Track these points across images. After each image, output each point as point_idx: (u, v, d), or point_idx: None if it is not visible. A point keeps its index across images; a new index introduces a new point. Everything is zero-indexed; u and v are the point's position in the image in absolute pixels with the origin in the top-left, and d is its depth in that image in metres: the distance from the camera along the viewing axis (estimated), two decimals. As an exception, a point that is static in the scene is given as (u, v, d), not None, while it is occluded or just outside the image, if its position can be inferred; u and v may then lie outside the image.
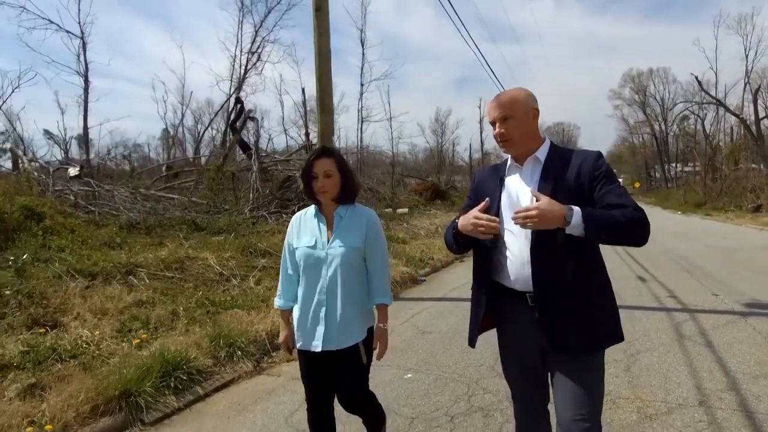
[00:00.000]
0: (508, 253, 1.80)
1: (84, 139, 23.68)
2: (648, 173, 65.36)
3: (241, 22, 28.42)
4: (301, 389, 2.39)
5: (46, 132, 35.64)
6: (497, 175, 1.91)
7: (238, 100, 20.56)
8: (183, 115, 36.06)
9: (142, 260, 6.34)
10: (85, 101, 22.83)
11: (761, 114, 35.63)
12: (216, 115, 32.26)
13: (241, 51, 27.92)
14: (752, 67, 40.17)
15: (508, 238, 1.80)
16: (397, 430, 3.06)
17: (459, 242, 1.87)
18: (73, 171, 13.15)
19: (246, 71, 27.16)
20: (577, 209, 1.61)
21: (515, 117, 1.78)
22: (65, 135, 36.13)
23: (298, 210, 2.49)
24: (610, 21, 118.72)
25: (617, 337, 1.81)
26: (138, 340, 4.20)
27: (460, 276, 8.45)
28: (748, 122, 34.58)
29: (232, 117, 20.73)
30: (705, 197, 31.77)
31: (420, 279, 8.48)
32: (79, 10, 25.06)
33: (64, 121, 49.70)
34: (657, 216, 26.64)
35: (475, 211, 1.77)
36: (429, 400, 3.49)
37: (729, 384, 3.59)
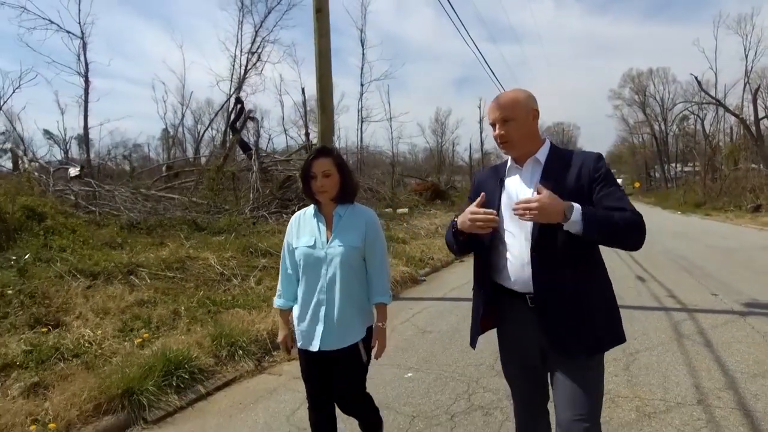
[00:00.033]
0: (508, 254, 1.80)
1: (84, 140, 23.75)
2: (648, 173, 65.41)
3: (241, 22, 28.51)
4: (303, 388, 2.41)
5: (46, 132, 35.72)
6: (497, 176, 1.91)
7: (239, 101, 20.59)
8: (183, 115, 36.13)
9: (143, 260, 6.37)
10: (86, 101, 22.94)
11: (761, 114, 35.70)
12: (216, 115, 32.34)
13: (241, 51, 28.01)
14: (752, 67, 40.29)
15: (508, 239, 1.80)
16: (398, 428, 3.08)
17: (459, 241, 1.87)
18: (73, 171, 13.18)
19: (246, 71, 27.26)
20: (577, 206, 1.61)
21: (515, 119, 1.78)
22: (65, 135, 36.20)
23: (299, 210, 2.49)
24: (610, 21, 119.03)
25: (618, 339, 1.81)
26: (140, 340, 4.22)
27: (460, 276, 8.47)
28: (747, 122, 34.62)
29: (233, 117, 20.76)
30: (705, 197, 31.78)
31: (420, 279, 8.50)
32: (79, 10, 25.15)
33: (63, 121, 49.79)
34: (657, 216, 26.70)
35: (472, 207, 1.77)
36: (429, 399, 3.52)
37: (727, 383, 3.62)
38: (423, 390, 3.69)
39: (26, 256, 5.58)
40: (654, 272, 8.34)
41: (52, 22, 21.12)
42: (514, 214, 1.67)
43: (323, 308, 2.21)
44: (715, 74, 43.14)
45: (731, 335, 4.76)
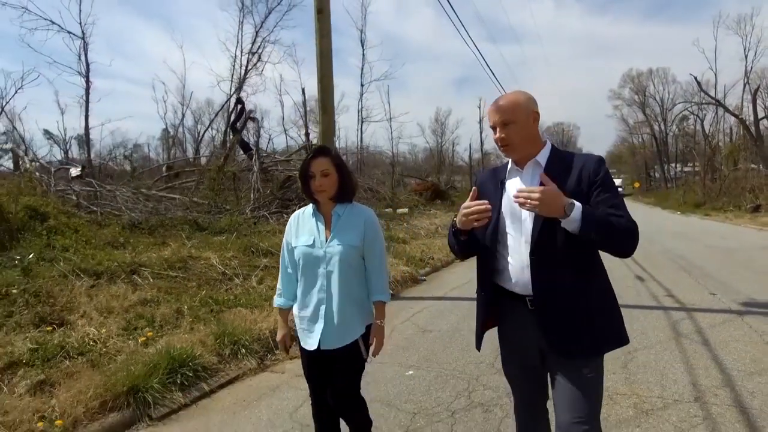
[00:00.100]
0: (508, 256, 1.81)
1: (85, 140, 23.80)
2: (647, 173, 65.42)
3: (242, 22, 28.55)
4: (305, 386, 2.45)
5: (46, 132, 35.67)
6: (498, 179, 1.91)
7: (239, 101, 20.61)
8: (183, 116, 36.16)
9: (145, 260, 6.41)
10: (86, 102, 22.95)
11: (760, 114, 35.74)
12: (216, 115, 32.37)
13: (241, 51, 28.04)
14: (751, 68, 40.25)
15: (509, 241, 1.81)
16: (399, 424, 3.13)
17: (460, 241, 1.86)
18: (74, 171, 13.21)
19: (246, 72, 27.27)
20: (578, 205, 1.61)
21: (516, 121, 1.76)
22: (65, 135, 36.19)
23: (298, 209, 2.52)
24: (610, 21, 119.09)
25: (620, 340, 1.81)
26: (144, 338, 4.27)
27: (460, 276, 8.52)
28: (747, 122, 34.66)
29: (233, 117, 20.77)
30: (704, 197, 31.81)
31: (420, 278, 8.55)
32: (80, 10, 25.36)
33: (63, 121, 49.72)
34: (656, 216, 26.76)
35: (465, 203, 1.78)
36: (430, 396, 3.57)
37: (724, 381, 3.66)
38: (424, 387, 3.73)
39: (30, 256, 5.62)
40: (653, 272, 8.38)
41: (53, 23, 21.16)
42: (515, 202, 1.67)
43: (323, 307, 2.22)
44: (715, 74, 43.17)
45: (729, 334, 4.80)
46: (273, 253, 7.70)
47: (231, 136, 19.21)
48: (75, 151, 35.44)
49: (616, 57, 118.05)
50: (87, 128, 23.38)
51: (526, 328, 1.81)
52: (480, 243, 1.88)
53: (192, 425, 3.30)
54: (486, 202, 1.75)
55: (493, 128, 1.81)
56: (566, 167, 1.77)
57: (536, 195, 1.59)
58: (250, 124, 22.04)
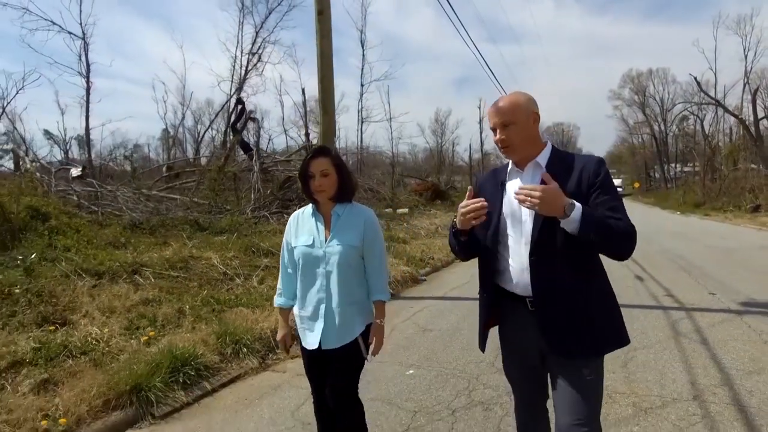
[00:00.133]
0: (509, 258, 1.82)
1: (86, 140, 23.83)
2: (647, 173, 65.45)
3: (242, 23, 28.58)
4: (306, 384, 2.47)
5: (46, 132, 35.70)
6: (498, 180, 1.91)
7: (240, 101, 20.65)
8: (183, 116, 36.20)
9: (147, 260, 6.43)
10: (87, 102, 22.98)
11: (760, 114, 35.77)
12: (216, 115, 32.41)
13: (241, 52, 28.06)
14: (751, 68, 40.21)
15: (509, 242, 1.82)
16: (400, 423, 3.16)
17: (461, 242, 1.87)
18: (75, 171, 13.25)
19: (246, 72, 27.29)
20: (579, 205, 1.61)
21: (516, 123, 1.76)
22: (65, 135, 36.21)
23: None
24: (610, 21, 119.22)
25: (620, 341, 1.81)
26: (146, 338, 4.29)
27: (460, 275, 8.54)
28: (747, 123, 34.69)
29: (233, 118, 20.81)
30: (704, 197, 31.84)
31: (420, 278, 8.57)
32: (80, 11, 25.40)
33: (63, 121, 49.86)
34: (656, 216, 26.78)
35: (462, 203, 1.79)
36: (431, 395, 3.59)
37: (723, 379, 3.69)
38: (424, 386, 3.76)
39: (32, 256, 5.65)
40: (652, 272, 8.41)
41: (54, 23, 21.19)
42: (515, 199, 1.67)
43: (323, 307, 2.23)
44: (715, 75, 43.17)
45: (728, 333, 4.83)
46: (274, 253, 7.72)
47: (231, 137, 19.24)
48: (75, 152, 35.50)
49: (616, 57, 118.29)
50: (87, 128, 23.43)
51: (527, 329, 1.82)
52: (481, 244, 1.89)
53: (194, 423, 3.32)
54: (482, 199, 1.75)
55: (493, 130, 1.80)
56: (567, 168, 1.76)
57: (537, 193, 1.59)
58: (251, 125, 22.06)
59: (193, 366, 3.82)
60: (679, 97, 50.77)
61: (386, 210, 16.99)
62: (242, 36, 28.88)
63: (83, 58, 22.70)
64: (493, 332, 2.05)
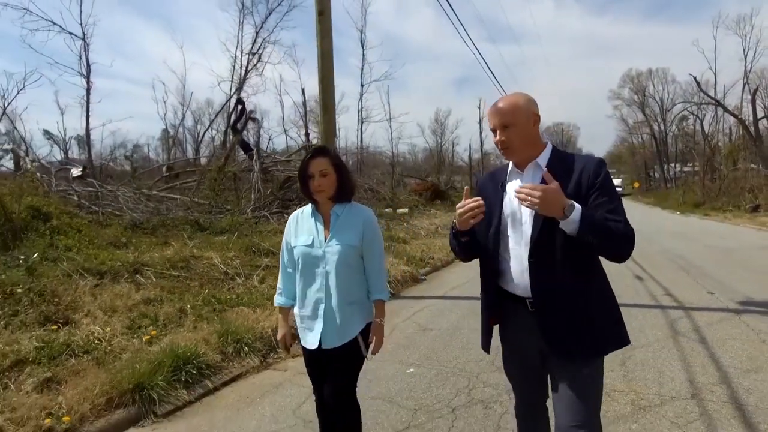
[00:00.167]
0: (510, 259, 1.82)
1: (86, 140, 23.85)
2: (647, 173, 65.47)
3: (242, 23, 28.66)
4: (307, 383, 2.48)
5: (46, 132, 35.74)
6: (498, 181, 1.91)
7: (240, 101, 20.69)
8: (183, 116, 36.25)
9: (148, 259, 6.46)
10: (87, 102, 23.03)
11: (759, 114, 35.84)
12: (216, 115, 32.50)
13: (241, 52, 28.13)
14: (751, 68, 40.19)
15: (510, 243, 1.82)
16: (400, 421, 3.18)
17: (461, 242, 1.87)
18: (75, 171, 13.28)
19: (247, 72, 27.34)
20: (578, 207, 1.61)
21: (516, 124, 1.75)
22: (65, 135, 36.25)
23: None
24: (610, 21, 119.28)
25: (620, 342, 1.81)
26: (148, 337, 4.32)
27: (460, 275, 8.57)
28: (746, 122, 34.72)
29: (233, 118, 20.84)
30: (703, 197, 31.87)
31: (421, 278, 8.60)
32: (81, 11, 25.50)
33: (63, 121, 49.90)
34: (656, 216, 26.81)
35: (459, 203, 1.79)
36: (431, 393, 3.62)
37: (721, 378, 3.72)
38: (425, 385, 3.78)
39: (34, 256, 5.68)
40: (652, 271, 8.43)
41: (54, 24, 21.29)
42: (515, 197, 1.67)
43: (322, 306, 2.23)
44: (715, 74, 43.22)
45: (726, 332, 4.86)
46: (274, 253, 7.75)
47: (231, 137, 19.27)
48: (75, 152, 35.55)
49: (616, 57, 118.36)
50: (88, 129, 23.49)
51: (527, 329, 1.82)
52: (481, 245, 1.90)
53: (196, 422, 3.35)
54: (479, 198, 1.76)
55: (493, 131, 1.80)
56: (567, 169, 1.75)
57: (538, 193, 1.58)
58: (251, 125, 22.15)
59: (195, 365, 3.84)
60: (679, 97, 50.86)
61: (386, 210, 17.01)
62: (242, 36, 29.02)
63: (83, 58, 22.82)
64: (494, 331, 2.06)
